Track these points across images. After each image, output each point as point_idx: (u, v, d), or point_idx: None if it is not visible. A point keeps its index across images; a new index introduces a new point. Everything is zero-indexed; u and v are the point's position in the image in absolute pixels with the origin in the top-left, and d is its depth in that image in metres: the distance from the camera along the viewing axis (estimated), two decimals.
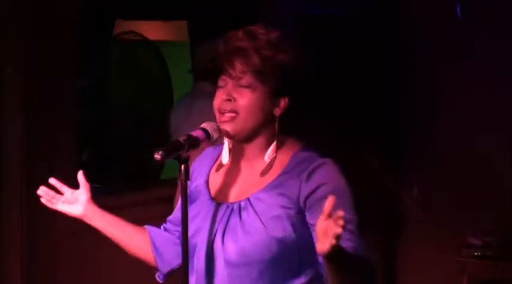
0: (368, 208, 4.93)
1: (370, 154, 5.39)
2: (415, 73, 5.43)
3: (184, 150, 2.05)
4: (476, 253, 4.53)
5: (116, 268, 4.23)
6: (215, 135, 2.12)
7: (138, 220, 4.39)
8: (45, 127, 3.90)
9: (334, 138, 5.18)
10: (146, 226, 2.45)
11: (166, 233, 2.38)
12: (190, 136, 2.08)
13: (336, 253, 1.88)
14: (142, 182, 4.87)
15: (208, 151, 2.32)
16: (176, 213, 2.37)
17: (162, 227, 2.42)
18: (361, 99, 5.50)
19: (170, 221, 2.40)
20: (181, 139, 2.06)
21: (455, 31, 5.17)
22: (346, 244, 2.00)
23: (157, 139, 4.93)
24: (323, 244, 1.86)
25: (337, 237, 1.83)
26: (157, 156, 2.01)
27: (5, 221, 3.84)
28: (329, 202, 1.85)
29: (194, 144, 2.08)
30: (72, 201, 2.44)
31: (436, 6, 5.28)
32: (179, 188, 2.19)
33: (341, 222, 1.81)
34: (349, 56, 5.46)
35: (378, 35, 5.45)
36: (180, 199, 2.32)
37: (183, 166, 2.05)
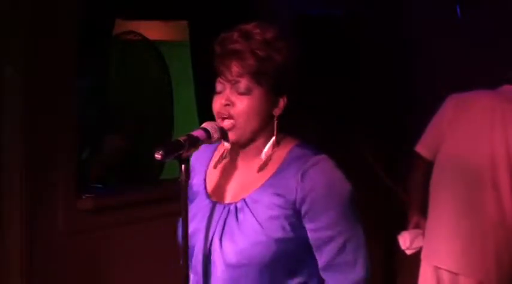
0: (367, 206, 4.95)
1: (370, 153, 5.39)
2: (415, 73, 5.44)
3: (184, 149, 2.04)
4: None
5: (116, 267, 4.23)
6: (216, 135, 2.12)
7: (138, 220, 4.42)
8: (45, 127, 3.90)
9: (333, 138, 5.19)
10: None
11: None
12: (190, 136, 2.08)
13: None
14: (142, 182, 4.86)
15: (204, 148, 2.30)
16: None
17: None
18: (361, 99, 5.51)
19: None
20: (182, 139, 2.06)
21: (455, 31, 5.18)
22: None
23: (157, 139, 4.93)
24: None
25: None
26: (157, 156, 2.00)
27: (5, 222, 3.83)
28: None
29: (194, 143, 2.07)
30: None
31: (436, 6, 5.28)
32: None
33: None
34: (349, 56, 5.46)
35: (378, 35, 5.45)
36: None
37: (183, 166, 2.05)
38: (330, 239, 2.09)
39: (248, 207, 2.11)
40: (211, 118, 2.16)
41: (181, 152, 2.04)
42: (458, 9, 5.22)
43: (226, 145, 2.19)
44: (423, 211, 4.09)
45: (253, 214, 2.09)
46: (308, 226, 2.09)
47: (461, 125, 3.96)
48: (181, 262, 2.10)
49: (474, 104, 3.99)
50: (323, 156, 2.13)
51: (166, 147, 2.02)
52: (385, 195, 5.40)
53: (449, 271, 3.94)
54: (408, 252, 4.12)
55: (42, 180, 3.90)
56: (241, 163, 2.20)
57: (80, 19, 4.06)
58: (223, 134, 2.12)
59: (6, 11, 3.79)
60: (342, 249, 2.09)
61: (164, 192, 4.28)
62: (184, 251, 2.08)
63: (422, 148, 4.11)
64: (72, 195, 4.03)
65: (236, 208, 2.13)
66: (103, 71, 4.87)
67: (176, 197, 2.08)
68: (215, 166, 2.25)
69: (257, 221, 2.08)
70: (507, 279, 3.95)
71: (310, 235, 2.09)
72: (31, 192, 3.85)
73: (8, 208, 3.83)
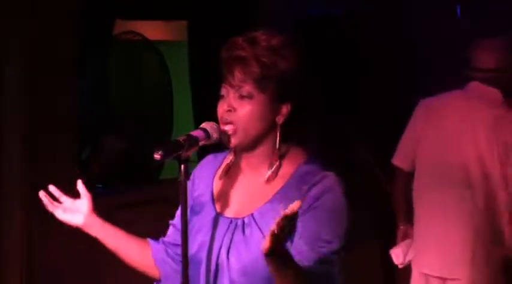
0: (367, 207, 4.95)
1: (369, 153, 5.39)
2: (415, 74, 5.44)
3: (184, 149, 2.04)
4: None
5: (116, 268, 4.23)
6: (215, 135, 2.11)
7: (138, 220, 4.41)
8: (45, 127, 3.90)
9: (333, 138, 5.19)
10: (149, 241, 2.36)
11: (166, 256, 2.32)
12: (190, 136, 2.07)
13: (277, 257, 1.85)
14: (142, 182, 4.87)
15: (210, 158, 2.30)
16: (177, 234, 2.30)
17: (161, 242, 2.34)
18: (361, 99, 5.51)
19: (172, 244, 2.32)
20: (181, 139, 2.05)
21: (455, 31, 5.18)
22: (297, 257, 1.99)
23: (157, 139, 4.93)
24: (264, 242, 1.83)
25: (273, 234, 1.79)
26: (157, 156, 2.00)
27: (5, 222, 3.84)
28: (292, 207, 1.79)
29: (194, 143, 2.07)
30: (73, 210, 2.40)
31: (436, 6, 5.28)
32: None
33: (279, 218, 1.77)
34: (349, 56, 5.47)
35: (378, 35, 5.46)
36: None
37: (182, 166, 2.04)
38: (313, 250, 2.04)
39: (255, 222, 2.10)
40: (207, 118, 2.15)
41: (180, 152, 2.03)
42: (458, 9, 5.22)
43: (230, 152, 2.18)
44: (410, 220, 4.09)
45: (260, 229, 2.08)
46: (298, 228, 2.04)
47: (433, 130, 3.97)
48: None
49: (444, 107, 3.99)
50: (331, 173, 2.11)
51: (165, 147, 2.01)
52: (385, 195, 5.39)
53: (437, 277, 3.94)
54: (401, 266, 4.12)
55: (42, 180, 3.89)
56: (247, 174, 2.18)
57: (80, 19, 4.07)
58: (224, 138, 2.12)
59: (6, 11, 3.79)
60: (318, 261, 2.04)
61: (164, 192, 4.28)
62: (184, 253, 2.07)
63: (398, 160, 4.12)
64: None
65: (243, 223, 2.11)
66: (103, 70, 4.88)
67: (176, 197, 2.07)
68: (220, 178, 2.23)
69: (264, 236, 2.05)
70: (496, 275, 3.94)
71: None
72: (31, 191, 3.85)
73: (8, 208, 3.84)
